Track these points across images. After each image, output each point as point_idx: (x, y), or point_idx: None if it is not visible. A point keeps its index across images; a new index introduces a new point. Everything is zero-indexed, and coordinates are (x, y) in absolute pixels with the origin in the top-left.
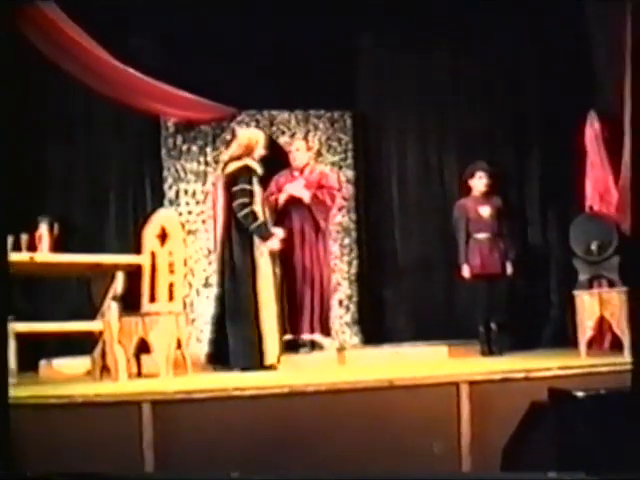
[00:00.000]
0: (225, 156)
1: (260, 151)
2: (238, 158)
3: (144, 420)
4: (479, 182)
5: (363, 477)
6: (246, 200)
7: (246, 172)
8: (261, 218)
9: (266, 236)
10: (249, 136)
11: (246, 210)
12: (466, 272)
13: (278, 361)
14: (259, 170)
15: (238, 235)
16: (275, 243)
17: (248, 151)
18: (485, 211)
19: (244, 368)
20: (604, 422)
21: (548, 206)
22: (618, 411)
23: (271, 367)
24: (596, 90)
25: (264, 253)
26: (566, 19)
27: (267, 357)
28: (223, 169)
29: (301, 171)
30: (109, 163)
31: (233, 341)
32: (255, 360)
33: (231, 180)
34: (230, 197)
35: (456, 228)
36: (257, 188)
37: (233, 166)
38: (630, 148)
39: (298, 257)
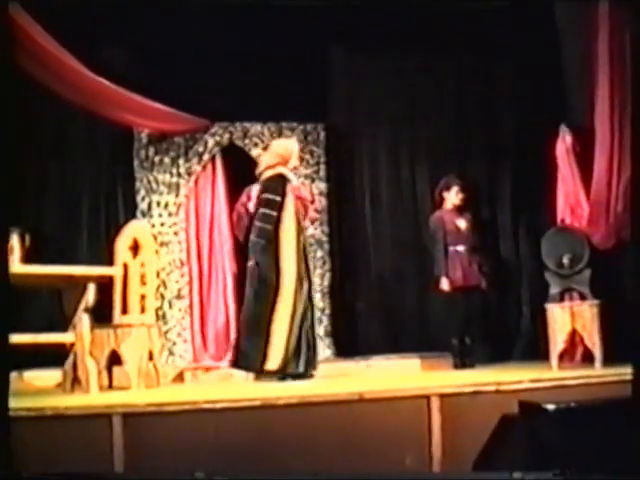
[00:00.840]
0: (261, 166)
1: (294, 162)
2: (272, 167)
3: (114, 432)
4: (455, 196)
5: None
6: (269, 211)
7: (280, 180)
8: (264, 241)
9: (253, 258)
10: (285, 146)
11: (264, 224)
12: (445, 285)
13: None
14: (294, 180)
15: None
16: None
17: (283, 161)
18: (462, 224)
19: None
20: (574, 435)
21: (520, 219)
22: (588, 424)
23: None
24: (568, 104)
25: (288, 259)
26: (537, 33)
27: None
28: (258, 178)
29: None
30: (81, 174)
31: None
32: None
33: (263, 188)
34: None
35: (434, 240)
36: (290, 197)
37: (268, 174)
38: (630, 152)
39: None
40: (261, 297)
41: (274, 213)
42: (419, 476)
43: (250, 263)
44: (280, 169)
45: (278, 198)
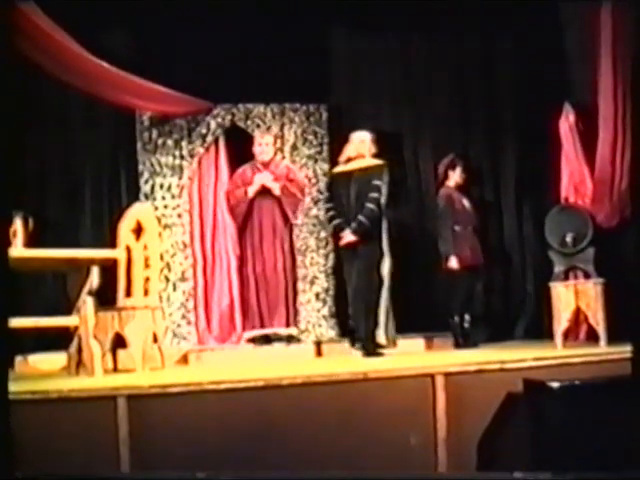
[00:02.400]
0: (343, 157)
1: (373, 150)
2: (354, 159)
3: (119, 415)
4: (459, 175)
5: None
6: (376, 195)
7: (379, 169)
8: (369, 223)
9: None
10: (362, 138)
11: (372, 206)
12: (454, 263)
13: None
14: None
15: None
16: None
17: (369, 150)
18: (467, 203)
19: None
20: (579, 413)
21: (523, 198)
22: (593, 402)
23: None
24: (571, 82)
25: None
26: (540, 11)
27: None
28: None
29: (266, 165)
30: (84, 157)
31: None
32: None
33: (361, 177)
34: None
35: (442, 218)
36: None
37: (358, 164)
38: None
39: (270, 250)
40: (371, 279)
41: (377, 195)
42: (419, 476)
43: (346, 242)
44: (371, 160)
45: (379, 182)
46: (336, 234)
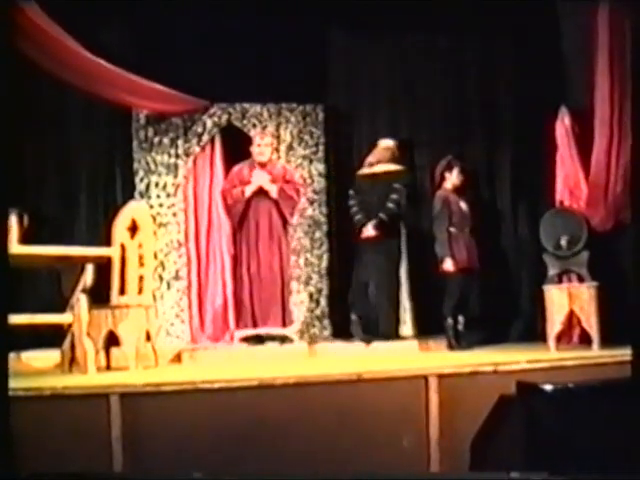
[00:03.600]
0: (367, 160)
1: (397, 156)
2: (375, 164)
3: (112, 413)
4: (456, 177)
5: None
6: (397, 197)
7: (400, 174)
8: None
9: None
10: (388, 145)
11: (393, 206)
12: (450, 265)
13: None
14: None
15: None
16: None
17: (392, 156)
18: (464, 205)
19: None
20: (572, 416)
21: (518, 200)
22: (586, 405)
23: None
24: (567, 85)
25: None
26: (537, 15)
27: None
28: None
29: (263, 165)
30: (80, 155)
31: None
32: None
33: (384, 180)
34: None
35: (438, 220)
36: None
37: (382, 168)
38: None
39: (266, 250)
40: (392, 275)
41: (398, 197)
42: (418, 476)
43: (369, 236)
44: (393, 166)
45: (400, 186)
46: (357, 229)
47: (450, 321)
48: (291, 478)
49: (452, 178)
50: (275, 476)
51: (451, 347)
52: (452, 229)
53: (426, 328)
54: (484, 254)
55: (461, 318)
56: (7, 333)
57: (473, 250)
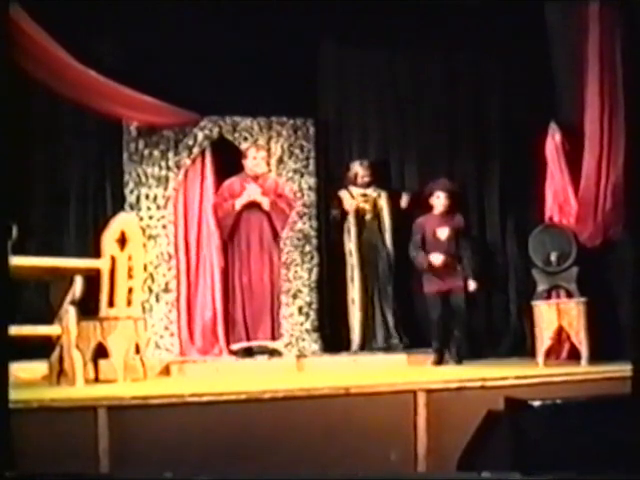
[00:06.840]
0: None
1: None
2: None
3: (100, 425)
4: (437, 202)
5: None
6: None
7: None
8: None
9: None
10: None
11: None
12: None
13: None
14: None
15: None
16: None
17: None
18: (443, 233)
19: None
20: (559, 431)
21: (508, 216)
22: (574, 420)
23: None
24: (557, 101)
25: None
26: (526, 31)
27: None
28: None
29: (255, 178)
30: (70, 166)
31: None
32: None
33: None
34: None
35: (413, 245)
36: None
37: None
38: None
39: (257, 263)
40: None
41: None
42: (416, 476)
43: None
44: None
45: None
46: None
47: (436, 336)
48: None
49: (437, 205)
50: None
51: (436, 362)
52: (430, 256)
53: (414, 342)
54: (473, 270)
55: (451, 334)
56: (7, 344)
57: (453, 274)
